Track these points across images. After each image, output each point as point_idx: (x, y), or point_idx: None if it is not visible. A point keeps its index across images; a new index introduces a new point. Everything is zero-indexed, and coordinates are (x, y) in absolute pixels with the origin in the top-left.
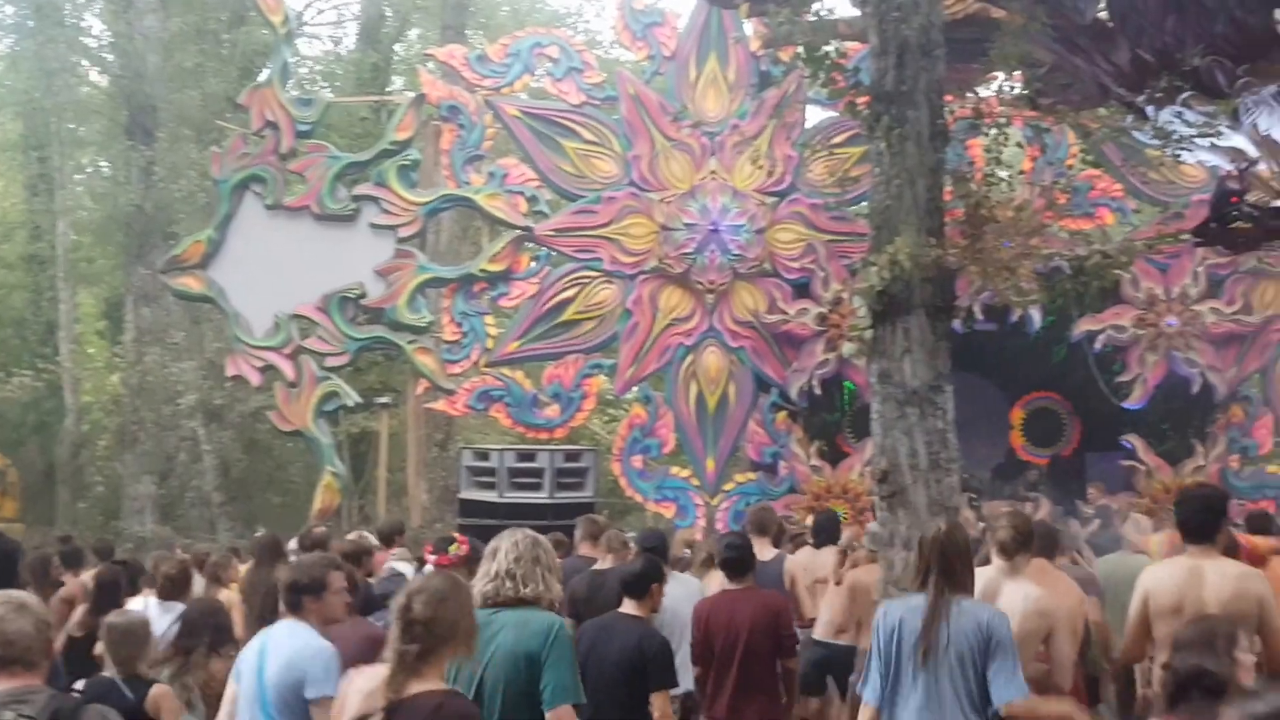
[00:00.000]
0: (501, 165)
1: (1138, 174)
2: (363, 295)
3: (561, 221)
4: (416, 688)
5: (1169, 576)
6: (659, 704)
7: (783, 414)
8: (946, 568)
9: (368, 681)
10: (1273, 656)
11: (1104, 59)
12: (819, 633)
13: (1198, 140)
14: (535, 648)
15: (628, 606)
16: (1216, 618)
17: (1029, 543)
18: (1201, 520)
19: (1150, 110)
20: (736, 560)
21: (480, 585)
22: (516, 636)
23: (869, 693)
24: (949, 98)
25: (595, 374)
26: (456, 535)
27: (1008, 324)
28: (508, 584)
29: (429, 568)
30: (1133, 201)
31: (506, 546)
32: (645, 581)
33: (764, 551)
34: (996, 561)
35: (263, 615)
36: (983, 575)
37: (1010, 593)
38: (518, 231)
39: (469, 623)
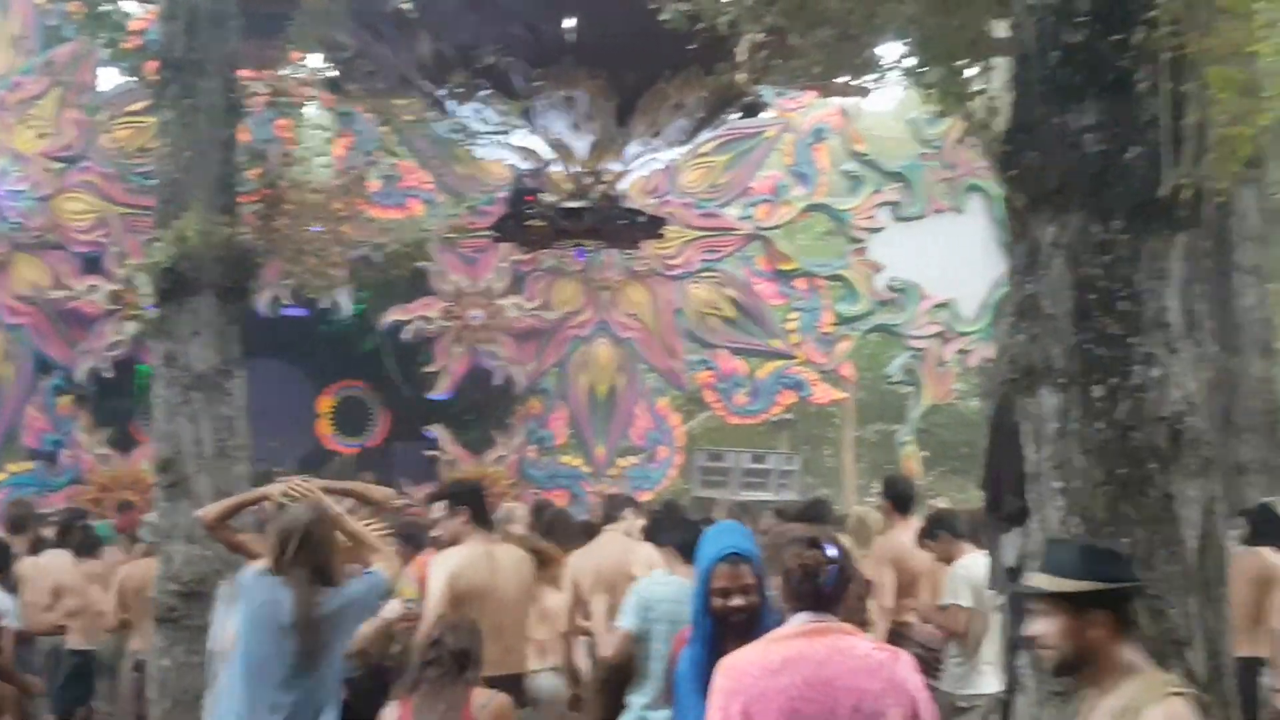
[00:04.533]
0: None
1: (445, 167)
2: None
3: None
4: None
5: (471, 560)
6: None
7: (67, 398)
8: (315, 559)
9: None
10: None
11: (406, 49)
12: (76, 640)
13: (495, 137)
14: None
15: None
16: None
17: None
18: (482, 506)
19: (451, 104)
20: None
21: None
22: None
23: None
24: (247, 73)
25: None
26: None
27: (318, 310)
28: None
29: None
30: (442, 195)
31: None
32: None
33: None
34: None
35: None
36: None
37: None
38: None
39: None
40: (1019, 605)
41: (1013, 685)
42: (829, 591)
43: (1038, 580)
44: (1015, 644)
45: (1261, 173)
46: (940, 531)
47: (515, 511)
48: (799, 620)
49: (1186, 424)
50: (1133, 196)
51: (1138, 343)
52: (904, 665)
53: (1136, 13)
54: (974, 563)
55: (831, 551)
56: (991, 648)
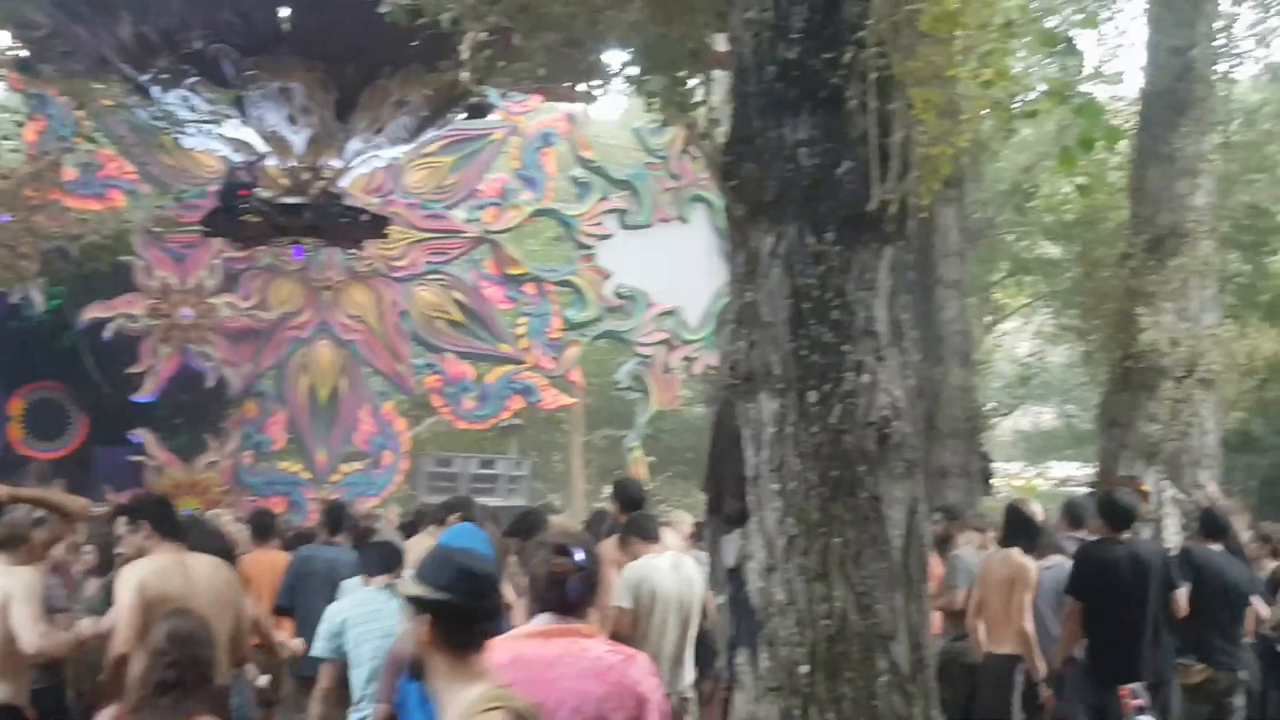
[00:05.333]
0: None
1: (149, 156)
2: None
3: None
4: None
5: (160, 569)
6: None
7: None
8: None
9: None
10: (239, 638)
11: (107, 31)
12: None
13: (205, 127)
14: None
15: None
16: (195, 614)
17: None
18: (167, 516)
19: (156, 91)
20: None
21: None
22: None
23: None
24: None
25: None
26: None
27: (7, 305)
28: None
29: None
30: (146, 185)
31: None
32: None
33: None
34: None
35: None
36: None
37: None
38: None
39: None
40: (739, 605)
41: (731, 682)
42: (575, 598)
43: (402, 582)
44: (733, 643)
45: (961, 193)
46: (631, 535)
47: (221, 520)
48: (539, 620)
49: (893, 429)
50: (844, 209)
51: (849, 350)
52: (638, 668)
53: (846, 33)
54: (640, 565)
55: (580, 557)
56: (661, 648)
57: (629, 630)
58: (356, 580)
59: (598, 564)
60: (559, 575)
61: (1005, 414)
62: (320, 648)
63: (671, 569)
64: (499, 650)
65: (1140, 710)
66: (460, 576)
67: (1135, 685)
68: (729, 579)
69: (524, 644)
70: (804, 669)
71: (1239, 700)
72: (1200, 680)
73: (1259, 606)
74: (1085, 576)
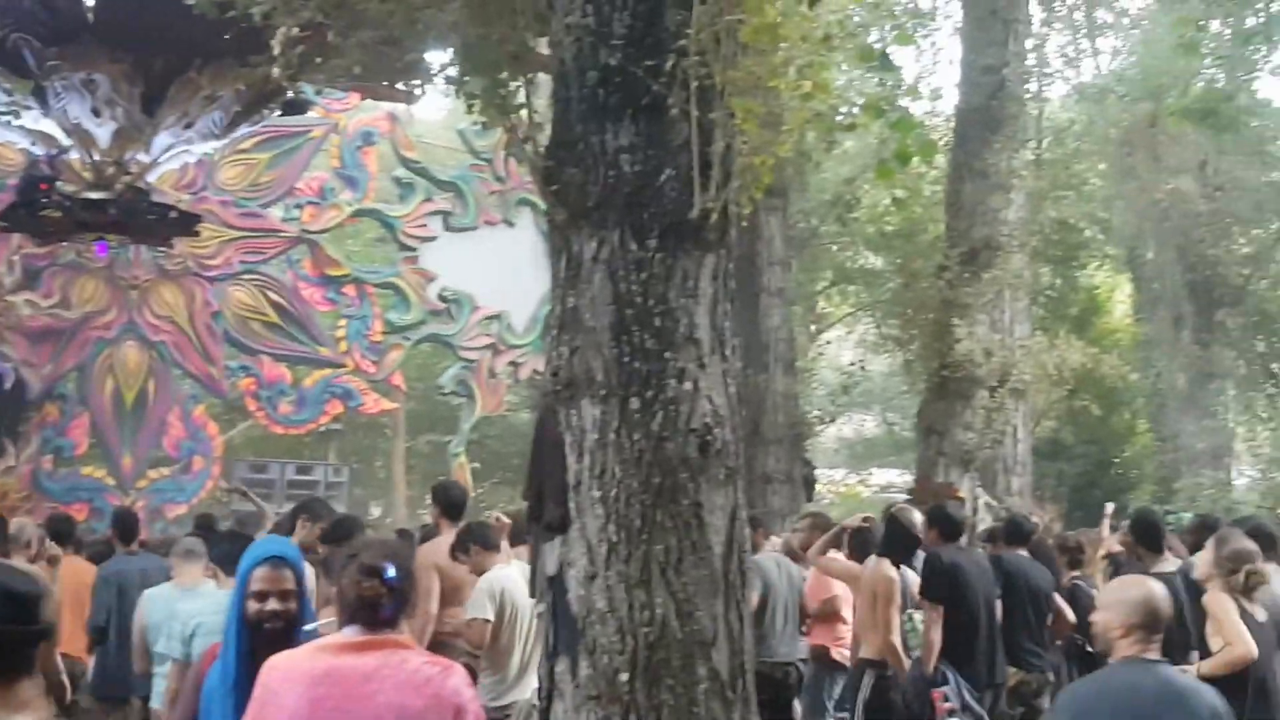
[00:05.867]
0: None
1: None
2: None
3: None
4: None
5: None
6: None
7: None
8: None
9: None
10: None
11: None
12: None
13: (3, 118)
14: None
15: None
16: None
17: None
18: None
19: None
20: None
21: None
22: None
23: None
24: None
25: None
26: None
27: None
28: None
29: None
30: None
31: None
32: None
33: None
34: None
35: None
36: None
37: None
38: None
39: None
40: (559, 613)
41: (551, 691)
42: (387, 615)
43: None
44: (554, 651)
45: (785, 202)
46: (471, 544)
47: (26, 529)
48: (350, 631)
49: (715, 435)
50: (666, 217)
51: (671, 358)
52: (455, 679)
53: (668, 41)
54: (497, 576)
55: (390, 574)
56: (519, 657)
57: (489, 640)
58: (164, 587)
59: (410, 577)
60: (370, 599)
61: (828, 421)
62: (171, 648)
63: (523, 578)
64: (315, 660)
65: (951, 713)
66: None
67: (947, 689)
68: (549, 587)
69: (338, 656)
70: (624, 677)
71: (1047, 701)
72: (1013, 684)
73: (1064, 609)
74: (936, 581)
